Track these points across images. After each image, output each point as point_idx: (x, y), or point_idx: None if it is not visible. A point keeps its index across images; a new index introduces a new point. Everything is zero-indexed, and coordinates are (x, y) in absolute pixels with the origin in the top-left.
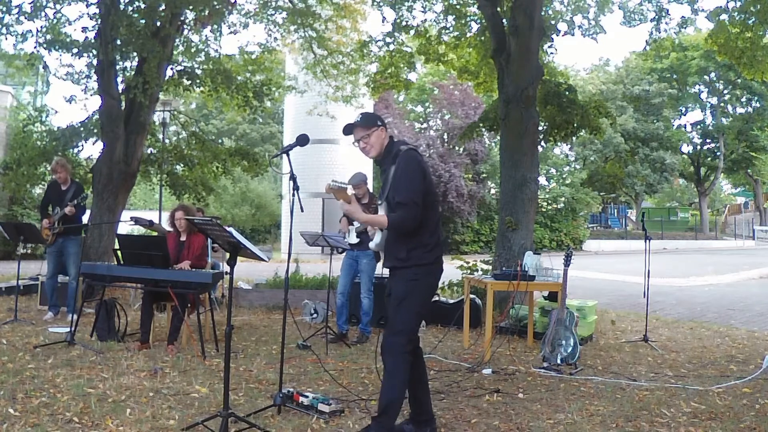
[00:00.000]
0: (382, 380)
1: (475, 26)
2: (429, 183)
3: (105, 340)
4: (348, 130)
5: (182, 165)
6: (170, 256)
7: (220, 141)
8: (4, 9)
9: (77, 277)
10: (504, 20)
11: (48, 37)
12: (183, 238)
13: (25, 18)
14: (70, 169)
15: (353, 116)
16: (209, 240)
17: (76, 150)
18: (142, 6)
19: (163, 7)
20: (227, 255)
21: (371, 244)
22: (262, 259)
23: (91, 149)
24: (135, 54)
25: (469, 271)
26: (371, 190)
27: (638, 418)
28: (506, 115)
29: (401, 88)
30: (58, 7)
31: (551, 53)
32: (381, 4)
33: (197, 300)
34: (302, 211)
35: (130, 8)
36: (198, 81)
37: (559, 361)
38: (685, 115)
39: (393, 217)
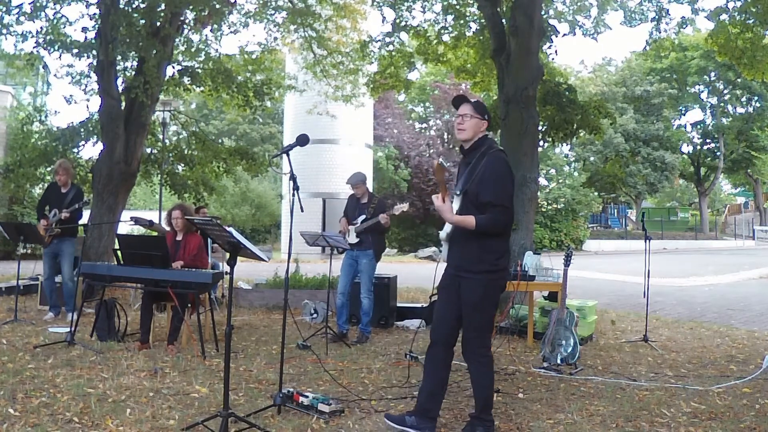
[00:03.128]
0: (474, 384)
1: (474, 26)
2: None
3: (105, 340)
4: (459, 100)
5: (183, 165)
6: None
7: (220, 141)
8: (4, 9)
9: (73, 278)
10: (504, 20)
11: (48, 37)
12: (179, 237)
13: (25, 18)
14: (73, 172)
15: (353, 116)
16: (209, 240)
17: (76, 150)
18: (142, 6)
19: (163, 7)
20: (227, 255)
21: (441, 234)
22: (262, 259)
23: (91, 149)
24: (135, 54)
25: None
26: (371, 190)
27: (638, 418)
28: (506, 115)
29: (401, 88)
30: (58, 7)
31: (551, 54)
32: (381, 4)
33: (197, 300)
34: (302, 211)
35: (130, 8)
36: (198, 81)
37: (559, 361)
38: (684, 115)
39: (482, 219)
